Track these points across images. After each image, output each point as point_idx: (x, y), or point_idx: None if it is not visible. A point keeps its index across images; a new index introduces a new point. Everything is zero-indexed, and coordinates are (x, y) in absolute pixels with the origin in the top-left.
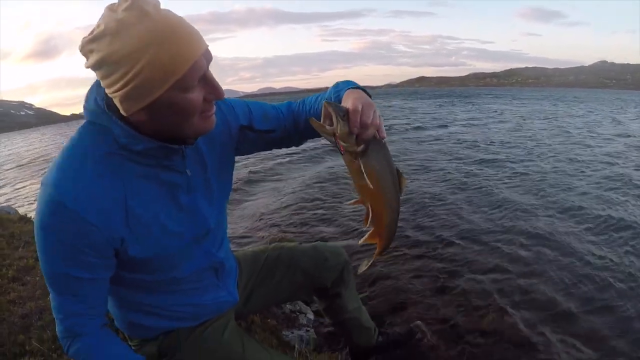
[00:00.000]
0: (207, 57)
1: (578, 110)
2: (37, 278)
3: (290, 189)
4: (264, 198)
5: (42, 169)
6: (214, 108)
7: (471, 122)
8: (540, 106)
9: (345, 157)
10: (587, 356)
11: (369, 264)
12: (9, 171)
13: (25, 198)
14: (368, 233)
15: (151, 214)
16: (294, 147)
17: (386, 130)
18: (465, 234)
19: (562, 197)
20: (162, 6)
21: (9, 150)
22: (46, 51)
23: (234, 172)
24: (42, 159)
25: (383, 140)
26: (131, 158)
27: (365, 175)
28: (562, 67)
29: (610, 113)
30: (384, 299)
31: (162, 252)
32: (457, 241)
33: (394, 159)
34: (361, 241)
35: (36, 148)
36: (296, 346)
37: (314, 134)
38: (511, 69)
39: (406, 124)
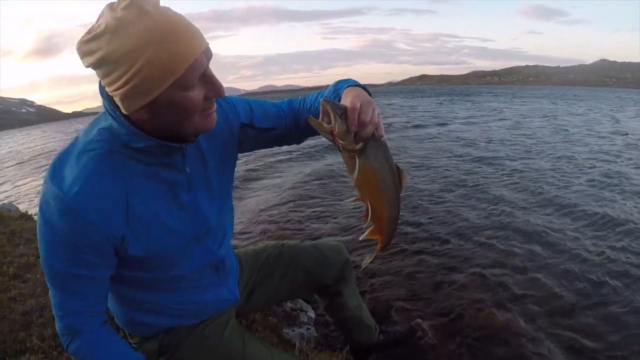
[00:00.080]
0: (208, 55)
1: (578, 108)
2: (38, 275)
3: (290, 186)
4: (263, 195)
5: (43, 167)
6: (215, 106)
7: (470, 120)
8: (540, 104)
9: (344, 156)
10: (587, 351)
11: (370, 259)
12: (10, 168)
13: (26, 195)
14: (369, 229)
15: (151, 213)
16: (294, 145)
17: (385, 128)
18: (464, 231)
19: (558, 194)
20: (163, 4)
21: (10, 147)
22: (48, 49)
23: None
24: (43, 156)
25: (382, 139)
26: (132, 156)
27: (364, 173)
28: (563, 66)
29: (610, 111)
30: (384, 296)
31: (162, 250)
32: (456, 238)
33: (393, 156)
34: (362, 237)
35: (37, 145)
36: (297, 344)
37: (315, 132)
38: (512, 67)
39: (406, 122)
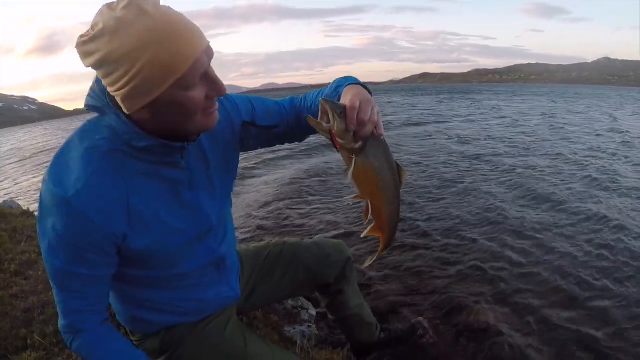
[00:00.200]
0: (209, 54)
1: (577, 106)
2: (40, 272)
3: (289, 182)
4: (262, 191)
5: (44, 164)
6: (216, 105)
7: (470, 118)
8: (539, 103)
9: (343, 154)
10: (586, 347)
11: (373, 259)
12: (11, 165)
13: (28, 192)
14: (370, 226)
15: (152, 212)
16: (295, 142)
17: (384, 126)
18: (462, 228)
19: (555, 192)
20: (164, 3)
21: (11, 144)
22: (49, 47)
23: None
24: (45, 153)
25: (382, 137)
26: (133, 155)
27: (363, 172)
28: (565, 64)
29: (609, 109)
30: (385, 293)
31: (163, 249)
32: (455, 236)
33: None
34: (363, 234)
35: (39, 143)
36: (298, 342)
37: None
38: (514, 65)
39: (406, 119)
